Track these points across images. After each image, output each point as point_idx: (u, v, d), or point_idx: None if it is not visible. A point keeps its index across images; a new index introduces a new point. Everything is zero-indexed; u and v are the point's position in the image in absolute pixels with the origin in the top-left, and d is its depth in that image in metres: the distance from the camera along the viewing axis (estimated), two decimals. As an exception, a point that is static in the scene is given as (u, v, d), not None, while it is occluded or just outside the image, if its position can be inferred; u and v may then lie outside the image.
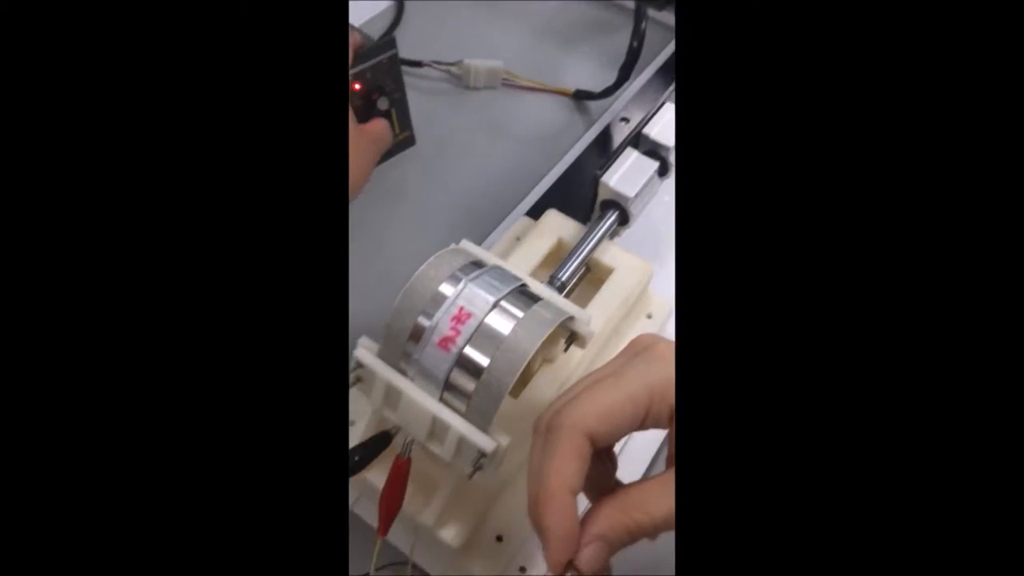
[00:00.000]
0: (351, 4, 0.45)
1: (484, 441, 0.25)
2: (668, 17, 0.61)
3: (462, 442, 0.26)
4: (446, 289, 0.27)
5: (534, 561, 0.33)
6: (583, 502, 0.24)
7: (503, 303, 0.27)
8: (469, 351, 0.26)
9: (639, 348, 0.24)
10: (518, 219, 0.46)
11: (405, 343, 0.27)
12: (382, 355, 0.28)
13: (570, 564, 0.22)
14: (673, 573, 0.19)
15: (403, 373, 0.27)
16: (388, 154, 0.52)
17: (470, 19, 0.63)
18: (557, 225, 0.40)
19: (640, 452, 0.38)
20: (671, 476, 0.22)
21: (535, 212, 0.46)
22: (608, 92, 0.54)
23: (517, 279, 0.29)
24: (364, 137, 0.43)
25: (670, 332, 0.42)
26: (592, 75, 0.58)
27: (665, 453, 0.38)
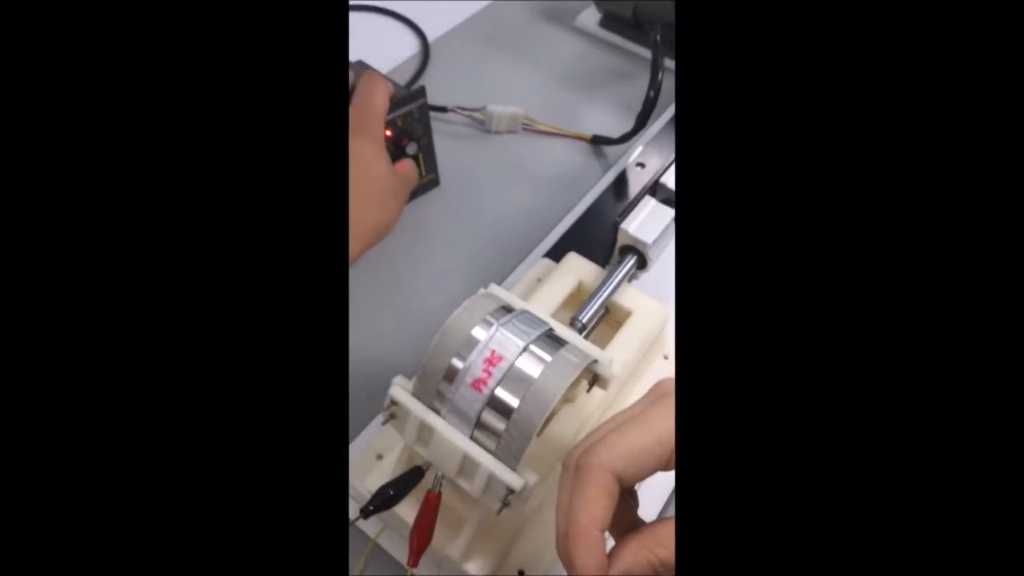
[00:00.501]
0: (380, 50, 0.48)
1: (513, 479, 0.27)
2: (669, 62, 0.64)
3: (492, 479, 0.27)
4: (478, 333, 0.28)
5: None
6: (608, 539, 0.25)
7: (532, 347, 0.28)
8: (500, 392, 0.27)
9: (663, 391, 0.26)
10: (538, 259, 0.48)
11: (439, 383, 0.28)
12: (416, 393, 0.29)
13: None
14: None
15: (436, 411, 0.29)
16: (414, 194, 0.54)
17: (493, 67, 0.66)
18: (577, 268, 0.42)
19: (659, 487, 0.39)
20: None
21: (554, 253, 0.48)
22: (625, 138, 0.57)
23: (544, 323, 0.30)
24: (397, 178, 0.45)
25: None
26: (609, 121, 0.60)
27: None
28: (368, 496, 0.29)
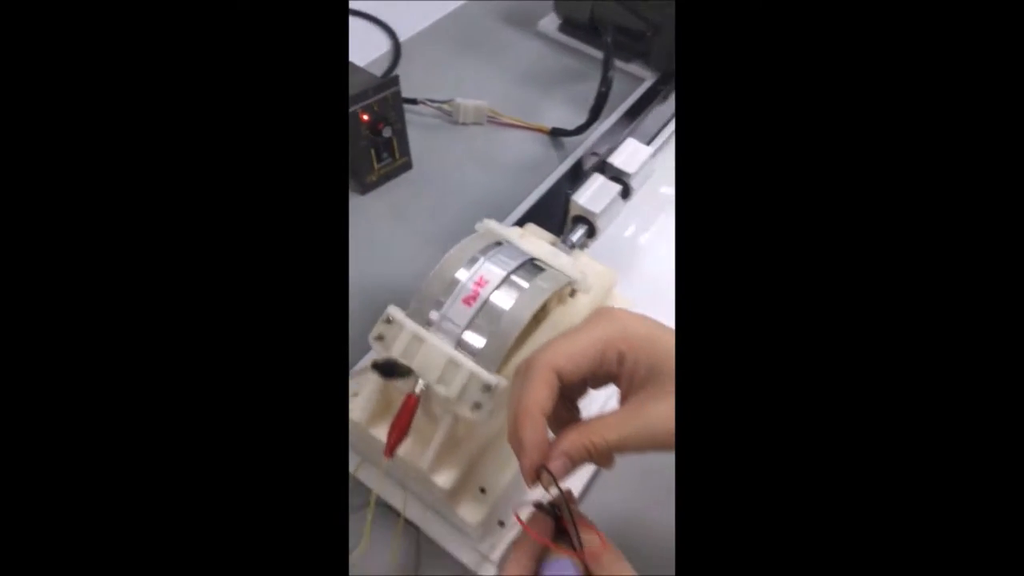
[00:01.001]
0: (353, 49, 0.53)
1: (489, 377, 0.32)
2: (635, 69, 0.70)
3: (470, 379, 0.32)
4: (470, 263, 0.34)
5: (511, 518, 0.39)
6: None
7: (513, 276, 0.34)
8: (488, 306, 0.33)
9: (598, 312, 0.31)
10: (501, 234, 0.53)
11: (432, 306, 0.34)
12: (410, 315, 0.34)
13: (539, 473, 0.28)
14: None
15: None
16: (389, 176, 0.59)
17: (460, 66, 0.72)
18: (535, 234, 0.47)
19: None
20: (621, 411, 0.29)
21: (516, 229, 0.54)
22: (580, 130, 0.63)
23: (525, 254, 0.36)
24: None
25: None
26: (566, 115, 0.66)
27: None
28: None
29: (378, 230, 0.57)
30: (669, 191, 0.58)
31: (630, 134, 0.51)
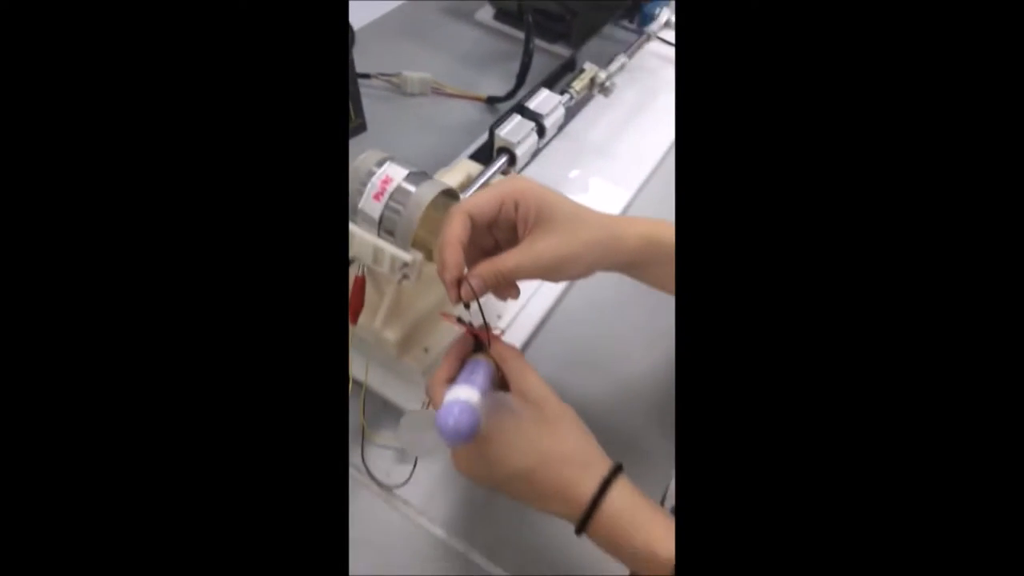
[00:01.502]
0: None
1: (406, 255, 0.42)
2: (557, 48, 0.82)
3: (393, 258, 0.42)
4: (376, 167, 0.44)
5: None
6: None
7: (411, 175, 0.44)
8: (392, 200, 0.42)
9: (502, 179, 0.41)
10: (442, 176, 0.64)
11: (354, 201, 0.43)
12: None
13: (458, 285, 0.38)
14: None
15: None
16: (347, 135, 0.69)
17: (407, 50, 0.82)
18: (466, 166, 0.58)
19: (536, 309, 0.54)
20: (518, 247, 0.39)
21: (454, 171, 0.64)
22: (510, 95, 0.74)
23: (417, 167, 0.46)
24: None
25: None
26: (500, 87, 0.77)
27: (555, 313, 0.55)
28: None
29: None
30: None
31: (542, 85, 0.62)
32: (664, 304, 0.53)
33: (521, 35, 0.83)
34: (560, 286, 0.58)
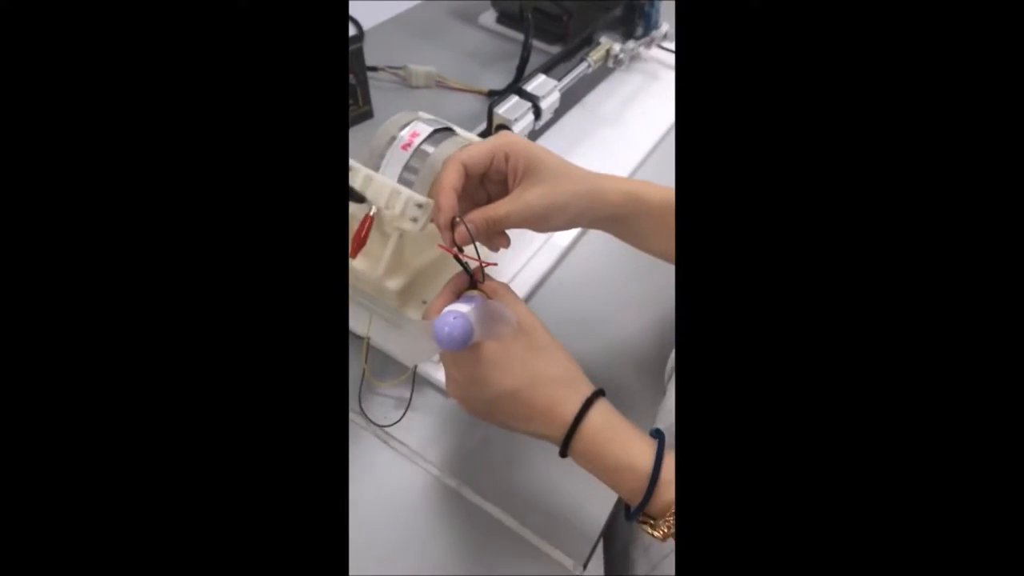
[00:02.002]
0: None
1: (421, 198, 0.45)
2: (555, 50, 0.86)
3: (408, 200, 0.45)
4: (406, 125, 0.48)
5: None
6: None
7: (438, 130, 0.48)
8: (420, 149, 0.46)
9: (494, 135, 0.45)
10: (444, 157, 0.68)
11: (382, 151, 0.47)
12: (365, 163, 0.48)
13: (452, 228, 0.41)
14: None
15: (373, 173, 0.48)
16: (355, 121, 0.73)
17: (414, 48, 0.87)
18: (466, 139, 0.61)
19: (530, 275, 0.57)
20: (508, 197, 0.42)
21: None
22: (509, 88, 0.78)
23: (445, 123, 0.50)
24: None
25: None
26: (500, 82, 0.81)
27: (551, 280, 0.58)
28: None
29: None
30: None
31: (539, 71, 0.66)
32: (652, 274, 0.56)
33: (522, 36, 0.88)
34: (552, 256, 0.61)
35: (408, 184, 0.47)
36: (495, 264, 0.42)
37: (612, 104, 0.81)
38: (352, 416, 0.50)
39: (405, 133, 0.48)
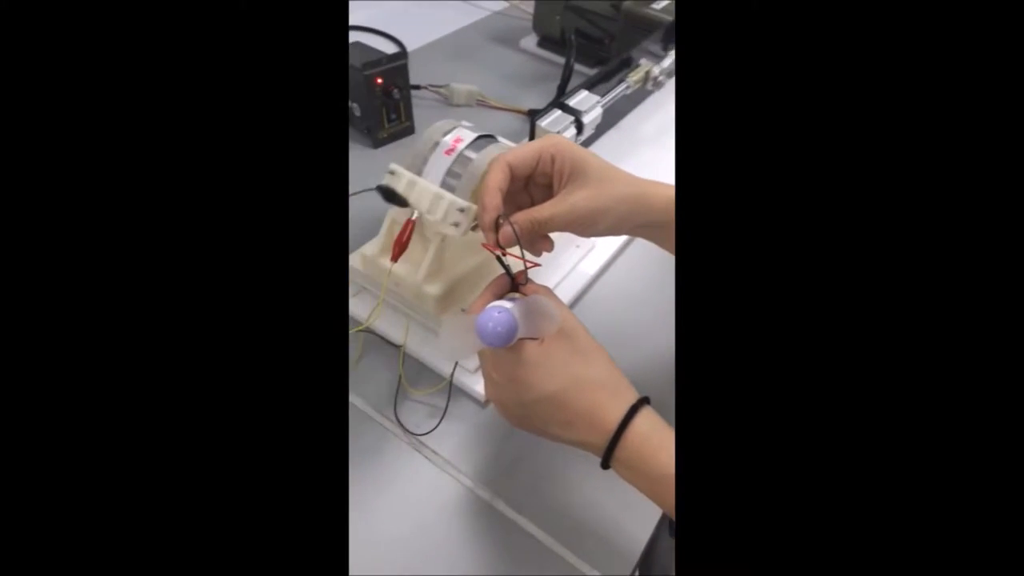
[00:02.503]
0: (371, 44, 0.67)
1: (464, 203, 0.45)
2: (590, 71, 0.87)
3: (450, 205, 0.45)
4: (448, 131, 0.48)
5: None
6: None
7: (479, 139, 0.47)
8: (463, 155, 0.46)
9: (540, 138, 0.44)
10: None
11: (425, 156, 0.47)
12: (408, 167, 0.48)
13: (496, 229, 0.40)
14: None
15: (416, 178, 0.48)
16: (395, 136, 0.74)
17: (456, 70, 0.88)
18: (508, 148, 0.61)
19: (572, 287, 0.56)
20: (553, 200, 0.42)
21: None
22: (549, 107, 0.78)
23: (487, 133, 0.50)
24: None
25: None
26: (540, 102, 0.81)
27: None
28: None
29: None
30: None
31: (583, 87, 0.66)
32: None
33: (562, 59, 0.89)
34: (596, 264, 0.60)
35: (450, 189, 0.47)
36: (539, 264, 0.41)
37: (651, 126, 0.80)
38: (386, 424, 0.49)
39: (448, 139, 0.48)
